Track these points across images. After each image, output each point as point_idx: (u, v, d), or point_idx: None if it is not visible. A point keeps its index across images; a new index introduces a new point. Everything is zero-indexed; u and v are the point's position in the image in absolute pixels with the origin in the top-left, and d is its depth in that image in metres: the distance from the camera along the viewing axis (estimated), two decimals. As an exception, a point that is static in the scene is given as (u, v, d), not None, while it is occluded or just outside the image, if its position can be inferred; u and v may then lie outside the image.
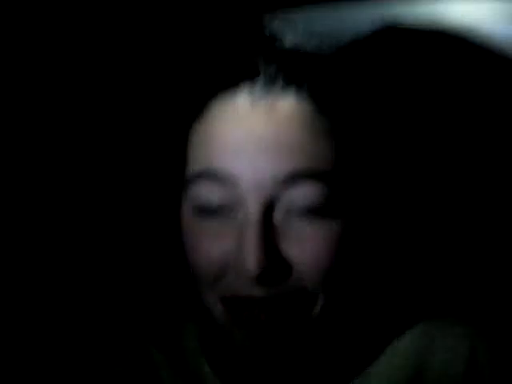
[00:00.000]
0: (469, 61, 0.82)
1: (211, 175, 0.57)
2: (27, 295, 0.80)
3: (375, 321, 0.66)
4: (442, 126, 0.81)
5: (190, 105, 0.60)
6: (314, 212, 0.56)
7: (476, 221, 0.82)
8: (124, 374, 0.67)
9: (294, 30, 0.63)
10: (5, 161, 0.79)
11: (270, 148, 0.55)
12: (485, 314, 0.68)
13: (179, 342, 0.68)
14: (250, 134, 0.56)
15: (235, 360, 0.64)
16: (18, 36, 0.79)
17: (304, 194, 0.56)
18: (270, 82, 0.58)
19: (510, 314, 0.70)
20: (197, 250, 0.58)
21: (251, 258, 0.54)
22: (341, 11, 0.85)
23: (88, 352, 0.68)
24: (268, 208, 0.55)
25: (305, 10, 0.84)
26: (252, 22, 0.80)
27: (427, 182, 0.81)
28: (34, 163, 0.81)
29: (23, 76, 0.80)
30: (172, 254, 0.63)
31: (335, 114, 0.58)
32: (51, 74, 0.81)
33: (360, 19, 0.83)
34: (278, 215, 0.56)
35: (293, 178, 0.55)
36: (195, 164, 0.58)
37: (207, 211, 0.57)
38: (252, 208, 0.55)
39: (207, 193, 0.57)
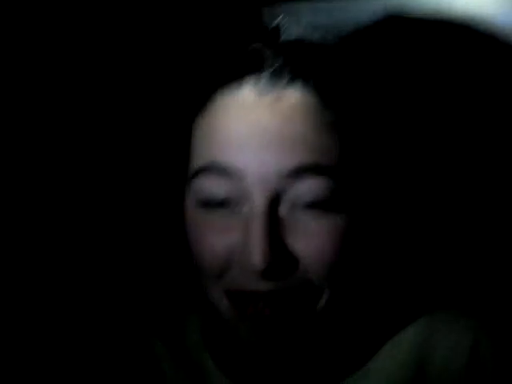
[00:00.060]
0: (473, 50, 0.81)
1: (216, 169, 0.56)
2: (30, 285, 0.80)
3: (378, 314, 0.66)
4: (448, 118, 0.81)
5: (194, 98, 0.60)
6: (319, 206, 0.56)
7: (479, 215, 0.82)
8: (126, 365, 0.67)
9: (299, 22, 0.62)
10: (10, 160, 0.79)
11: (275, 142, 0.55)
12: (487, 308, 0.68)
13: (182, 335, 0.68)
14: (255, 128, 0.56)
15: (239, 354, 0.64)
16: (18, 36, 0.79)
17: (309, 187, 0.55)
18: (276, 75, 0.57)
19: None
20: (201, 243, 0.58)
21: (257, 252, 0.54)
22: (345, 1, 0.84)
23: (90, 344, 0.69)
24: (273, 202, 0.55)
25: (309, 1, 0.84)
26: (256, 14, 0.79)
27: (432, 175, 0.81)
28: (39, 156, 0.81)
29: (24, 76, 0.79)
30: (177, 247, 0.63)
31: (341, 108, 0.58)
32: (54, 67, 0.81)
33: (364, 9, 0.82)
34: (283, 209, 0.56)
35: (298, 172, 0.55)
36: (199, 157, 0.58)
37: (212, 205, 0.57)
38: (257, 202, 0.55)
39: (212, 186, 0.57)
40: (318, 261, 0.56)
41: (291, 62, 0.58)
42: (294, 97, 0.57)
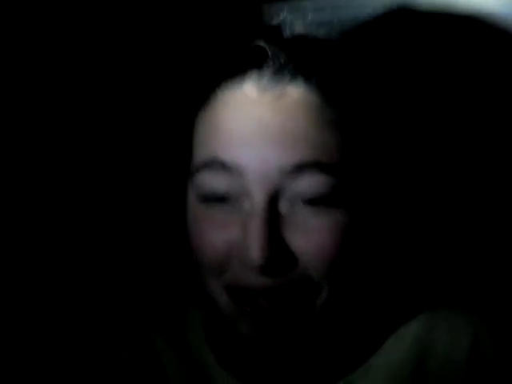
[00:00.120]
0: (478, 44, 0.80)
1: (217, 165, 0.56)
2: (29, 279, 0.80)
3: (379, 311, 0.66)
4: (451, 115, 0.80)
5: (197, 93, 0.60)
6: (320, 202, 0.56)
7: (480, 212, 0.82)
8: (126, 360, 0.67)
9: (302, 19, 0.62)
10: (10, 160, 0.80)
11: (276, 138, 0.55)
12: (487, 303, 0.68)
13: (183, 330, 0.68)
14: (257, 123, 0.56)
15: (240, 349, 0.64)
16: (18, 36, 0.79)
17: (310, 184, 0.55)
18: (278, 72, 0.57)
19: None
20: (201, 238, 0.58)
21: (255, 248, 0.54)
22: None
23: (91, 339, 0.69)
24: (273, 198, 0.55)
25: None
26: (260, 9, 0.79)
27: (433, 172, 0.80)
28: (41, 154, 0.81)
29: (25, 77, 0.79)
30: (179, 242, 0.63)
31: (343, 105, 0.58)
32: (55, 64, 0.81)
33: (367, 5, 0.82)
34: (283, 205, 0.56)
35: (299, 169, 0.55)
36: (201, 153, 0.58)
37: (213, 200, 0.57)
38: (257, 198, 0.55)
39: (213, 182, 0.57)
40: (317, 257, 0.56)
41: (294, 59, 0.58)
42: (296, 93, 0.57)
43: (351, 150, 0.57)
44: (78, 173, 0.82)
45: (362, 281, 0.64)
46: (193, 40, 0.76)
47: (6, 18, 0.78)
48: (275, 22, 0.62)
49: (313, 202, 0.56)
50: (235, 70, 0.58)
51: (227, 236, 0.56)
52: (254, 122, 0.56)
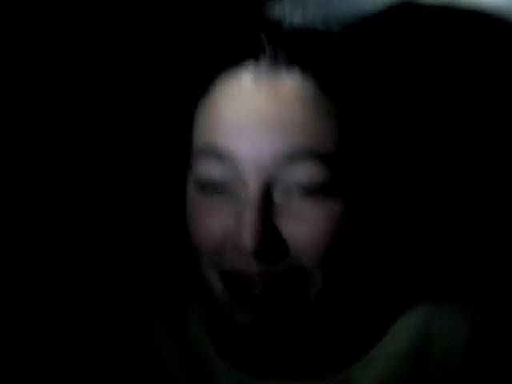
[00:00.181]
0: (483, 39, 0.80)
1: (212, 153, 0.57)
2: (30, 271, 0.81)
3: (378, 302, 0.66)
4: (451, 109, 0.80)
5: (195, 83, 0.61)
6: (314, 192, 0.56)
7: (480, 206, 0.81)
8: (126, 351, 0.67)
9: (304, 12, 0.62)
10: (8, 160, 0.80)
11: (270, 127, 0.55)
12: (485, 294, 0.69)
13: (183, 322, 0.68)
14: (251, 112, 0.56)
15: (239, 341, 0.64)
16: (17, 36, 0.80)
17: (304, 173, 0.56)
18: (275, 60, 0.58)
19: (510, 298, 0.70)
20: (198, 225, 0.59)
21: (248, 236, 0.54)
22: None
23: (89, 329, 0.69)
24: (268, 187, 0.56)
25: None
26: (262, 4, 0.79)
27: (431, 164, 0.80)
28: (40, 151, 0.82)
29: (21, 75, 0.80)
30: (180, 234, 0.63)
31: (340, 95, 0.58)
32: (53, 62, 0.82)
33: (369, 3, 0.82)
34: (277, 193, 0.56)
35: (292, 157, 0.55)
36: (199, 141, 0.59)
37: (209, 188, 0.58)
38: (251, 186, 0.56)
39: (209, 170, 0.57)
40: (311, 246, 0.56)
41: (290, 49, 0.58)
42: (292, 83, 0.57)
43: (348, 141, 0.58)
44: (76, 164, 0.83)
45: (358, 272, 0.64)
46: (192, 31, 0.77)
47: (5, 18, 0.79)
48: (276, 15, 0.62)
49: (307, 191, 0.56)
50: (233, 61, 0.59)
51: (223, 224, 0.57)
52: (249, 111, 0.56)
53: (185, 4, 0.81)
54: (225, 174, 0.57)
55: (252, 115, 0.56)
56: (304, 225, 0.56)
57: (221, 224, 0.57)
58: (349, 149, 0.57)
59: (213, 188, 0.58)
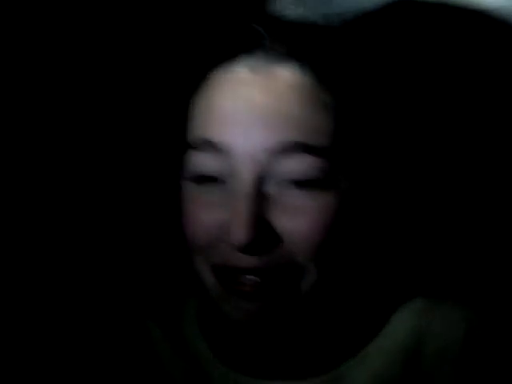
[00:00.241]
0: (481, 37, 0.80)
1: (206, 145, 0.57)
2: (28, 270, 0.81)
3: (371, 300, 0.65)
4: (447, 106, 0.80)
5: (190, 76, 0.61)
6: (308, 185, 0.56)
7: (477, 204, 0.81)
8: (122, 348, 0.67)
9: (305, 7, 0.62)
10: (4, 160, 0.80)
11: (264, 118, 0.55)
12: (481, 292, 0.69)
13: (179, 320, 0.68)
14: (245, 104, 0.56)
15: (231, 337, 0.63)
16: (17, 36, 0.80)
17: (297, 166, 0.55)
18: (270, 52, 0.57)
19: (507, 296, 0.70)
20: (192, 218, 0.58)
21: (239, 227, 0.54)
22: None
23: (86, 326, 0.69)
24: (261, 179, 0.55)
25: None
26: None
27: (427, 160, 0.79)
28: (37, 149, 0.82)
29: (20, 74, 0.80)
30: (176, 231, 0.63)
31: (337, 89, 0.58)
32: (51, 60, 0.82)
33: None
34: (270, 187, 0.56)
35: (285, 150, 0.55)
36: (194, 133, 0.59)
37: (203, 181, 0.58)
38: (244, 178, 0.55)
39: (204, 163, 0.57)
40: (304, 240, 0.55)
41: (287, 41, 0.58)
42: (286, 75, 0.57)
43: (343, 134, 0.57)
44: (72, 161, 0.82)
45: (352, 266, 0.63)
46: (187, 24, 0.77)
47: (5, 18, 0.79)
48: (276, 9, 0.62)
49: (301, 183, 0.56)
50: (228, 54, 0.59)
51: (217, 216, 0.57)
52: (244, 103, 0.56)
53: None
54: (220, 166, 0.56)
55: (245, 106, 0.56)
56: (298, 218, 0.55)
57: (216, 217, 0.57)
58: (344, 142, 0.57)
59: (208, 181, 0.57)
